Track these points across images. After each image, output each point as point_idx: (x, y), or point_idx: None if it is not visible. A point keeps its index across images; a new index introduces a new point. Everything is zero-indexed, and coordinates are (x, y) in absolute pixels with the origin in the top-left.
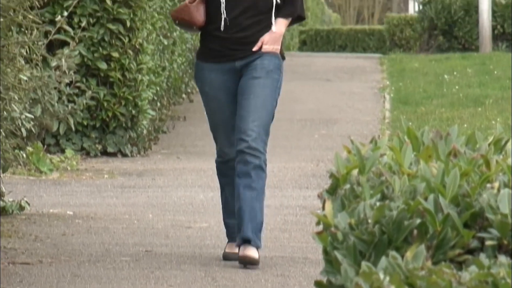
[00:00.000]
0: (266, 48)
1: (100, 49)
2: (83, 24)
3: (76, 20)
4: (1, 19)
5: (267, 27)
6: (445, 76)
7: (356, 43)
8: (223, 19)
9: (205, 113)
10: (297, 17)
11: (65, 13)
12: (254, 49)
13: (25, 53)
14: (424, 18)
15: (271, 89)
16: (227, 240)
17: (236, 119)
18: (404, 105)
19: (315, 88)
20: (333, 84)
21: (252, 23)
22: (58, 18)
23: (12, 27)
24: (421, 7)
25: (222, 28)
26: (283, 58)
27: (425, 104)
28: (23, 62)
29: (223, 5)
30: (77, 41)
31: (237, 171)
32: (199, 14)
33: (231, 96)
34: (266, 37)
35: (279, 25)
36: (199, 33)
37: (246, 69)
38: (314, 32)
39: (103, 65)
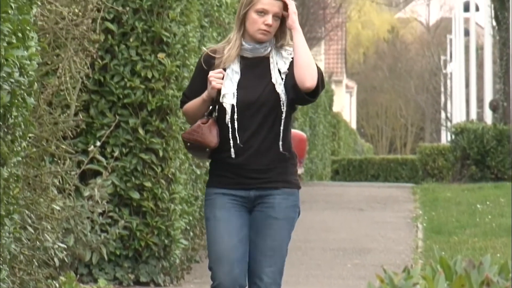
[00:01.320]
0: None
1: (133, 178)
2: (116, 154)
3: (108, 150)
4: (34, 149)
5: (283, 153)
6: (478, 206)
7: (389, 172)
8: (233, 144)
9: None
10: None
11: (98, 143)
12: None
13: (58, 183)
14: (456, 147)
15: (288, 230)
16: None
17: (250, 260)
18: (437, 235)
19: (348, 217)
20: (366, 214)
21: (266, 149)
22: (91, 148)
23: (45, 157)
24: (453, 136)
25: (233, 155)
26: (299, 187)
27: (458, 234)
28: (55, 192)
29: (235, 129)
30: (110, 171)
31: None
32: (212, 136)
33: (242, 223)
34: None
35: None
36: (209, 162)
37: (262, 203)
38: (346, 161)
39: (135, 195)
